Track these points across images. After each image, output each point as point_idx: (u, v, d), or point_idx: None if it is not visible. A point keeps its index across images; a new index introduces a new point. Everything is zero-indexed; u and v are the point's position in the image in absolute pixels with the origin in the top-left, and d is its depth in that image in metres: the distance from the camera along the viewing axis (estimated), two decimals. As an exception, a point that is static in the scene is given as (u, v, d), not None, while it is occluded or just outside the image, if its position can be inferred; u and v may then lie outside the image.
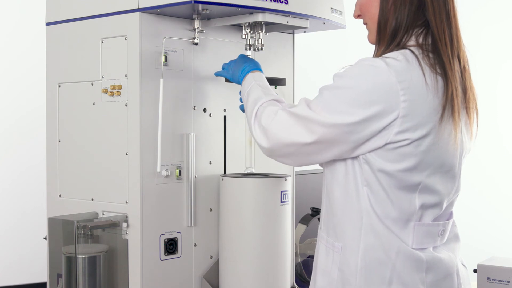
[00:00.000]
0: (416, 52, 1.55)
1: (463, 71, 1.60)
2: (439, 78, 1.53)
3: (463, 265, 1.70)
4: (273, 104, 1.73)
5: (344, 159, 1.59)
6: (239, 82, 1.97)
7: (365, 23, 1.71)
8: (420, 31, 1.59)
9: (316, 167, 1.73)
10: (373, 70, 1.51)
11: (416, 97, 1.50)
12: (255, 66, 1.98)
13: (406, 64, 1.52)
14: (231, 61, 2.08)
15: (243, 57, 2.06)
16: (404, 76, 1.50)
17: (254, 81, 1.88)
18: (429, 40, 1.58)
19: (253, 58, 2.15)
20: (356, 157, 1.57)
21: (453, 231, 1.70)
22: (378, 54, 1.61)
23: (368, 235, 1.56)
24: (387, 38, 1.61)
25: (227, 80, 2.13)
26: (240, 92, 1.94)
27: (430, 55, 1.55)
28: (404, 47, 1.58)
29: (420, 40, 1.58)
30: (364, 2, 1.67)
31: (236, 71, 2.01)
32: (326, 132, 1.54)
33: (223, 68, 2.11)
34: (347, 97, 1.52)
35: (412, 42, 1.59)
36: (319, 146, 1.57)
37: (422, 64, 1.53)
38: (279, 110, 1.65)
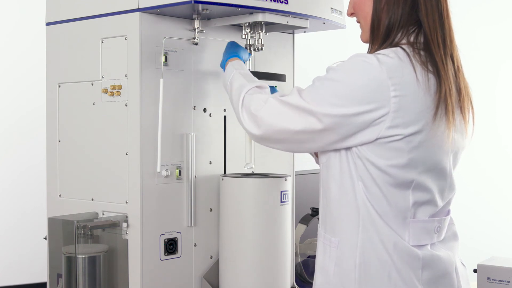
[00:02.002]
0: (407, 50, 1.56)
1: (457, 71, 1.61)
2: (431, 76, 1.55)
3: (462, 264, 1.71)
4: (259, 92, 1.75)
5: (339, 154, 1.61)
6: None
7: (358, 22, 1.72)
8: (412, 30, 1.61)
9: (316, 166, 1.74)
10: (365, 65, 1.53)
11: (407, 93, 1.52)
12: (232, 53, 1.99)
13: (398, 61, 1.53)
14: None
15: (227, 46, 2.07)
16: (395, 72, 1.52)
17: (234, 70, 1.89)
18: (421, 39, 1.60)
19: (253, 58, 2.15)
20: (350, 152, 1.59)
21: (452, 229, 1.71)
22: (371, 52, 1.63)
23: (365, 229, 1.57)
24: (380, 37, 1.63)
25: None
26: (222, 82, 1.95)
27: (422, 53, 1.57)
28: (396, 45, 1.59)
29: (412, 39, 1.60)
30: (357, 1, 1.69)
31: (223, 61, 2.04)
32: (316, 121, 1.55)
33: None
34: (338, 90, 1.54)
35: (404, 40, 1.60)
36: (309, 135, 1.58)
37: (413, 61, 1.54)
38: (269, 98, 1.66)
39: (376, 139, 1.53)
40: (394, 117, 1.51)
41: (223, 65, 2.01)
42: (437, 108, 1.53)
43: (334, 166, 1.62)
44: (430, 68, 1.55)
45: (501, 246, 4.22)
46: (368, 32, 1.67)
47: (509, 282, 2.46)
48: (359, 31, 1.73)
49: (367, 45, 1.72)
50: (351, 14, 1.73)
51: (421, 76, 1.53)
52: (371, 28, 1.65)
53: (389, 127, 1.52)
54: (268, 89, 1.78)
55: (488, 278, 2.51)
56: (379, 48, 1.61)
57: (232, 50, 2.02)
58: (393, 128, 1.52)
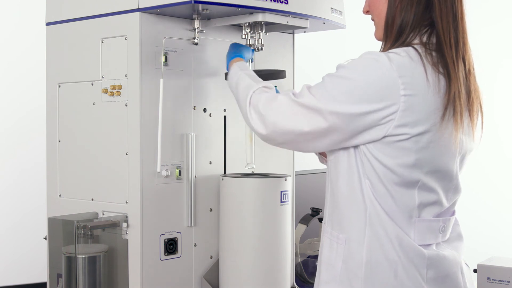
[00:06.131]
0: (419, 50, 1.56)
1: (468, 74, 1.61)
2: (441, 77, 1.55)
3: (466, 264, 1.71)
4: (266, 91, 1.74)
5: (347, 152, 1.61)
6: None
7: (372, 20, 1.72)
8: (425, 30, 1.61)
9: (316, 167, 1.74)
10: (375, 64, 1.53)
11: (416, 93, 1.52)
12: (235, 53, 2.00)
13: (408, 60, 1.54)
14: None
15: (230, 47, 2.07)
16: (405, 71, 1.52)
17: (240, 71, 1.89)
18: (433, 40, 1.60)
19: (253, 58, 2.15)
20: (357, 150, 1.59)
21: (456, 230, 1.72)
22: (384, 50, 1.63)
23: (372, 227, 1.58)
24: (393, 36, 1.63)
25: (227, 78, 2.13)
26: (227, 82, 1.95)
27: (433, 53, 1.57)
28: (408, 45, 1.59)
29: (424, 39, 1.60)
30: None
31: (227, 62, 2.04)
32: (323, 120, 1.55)
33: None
34: (348, 88, 1.54)
35: (416, 40, 1.61)
36: (316, 134, 1.58)
37: (424, 62, 1.54)
38: (279, 96, 1.65)
39: (384, 137, 1.54)
40: (402, 116, 1.51)
41: (228, 67, 2.01)
42: (445, 109, 1.54)
43: (342, 164, 1.63)
44: (441, 69, 1.55)
45: (501, 246, 4.22)
46: (382, 30, 1.67)
47: (509, 282, 2.47)
48: (359, 31, 1.73)
49: (366, 45, 1.72)
50: (366, 12, 1.73)
51: (431, 76, 1.54)
52: (385, 27, 1.65)
53: (397, 126, 1.52)
54: (274, 90, 1.77)
55: (488, 278, 2.51)
56: (392, 46, 1.61)
57: (235, 51, 2.03)
58: (401, 127, 1.52)
